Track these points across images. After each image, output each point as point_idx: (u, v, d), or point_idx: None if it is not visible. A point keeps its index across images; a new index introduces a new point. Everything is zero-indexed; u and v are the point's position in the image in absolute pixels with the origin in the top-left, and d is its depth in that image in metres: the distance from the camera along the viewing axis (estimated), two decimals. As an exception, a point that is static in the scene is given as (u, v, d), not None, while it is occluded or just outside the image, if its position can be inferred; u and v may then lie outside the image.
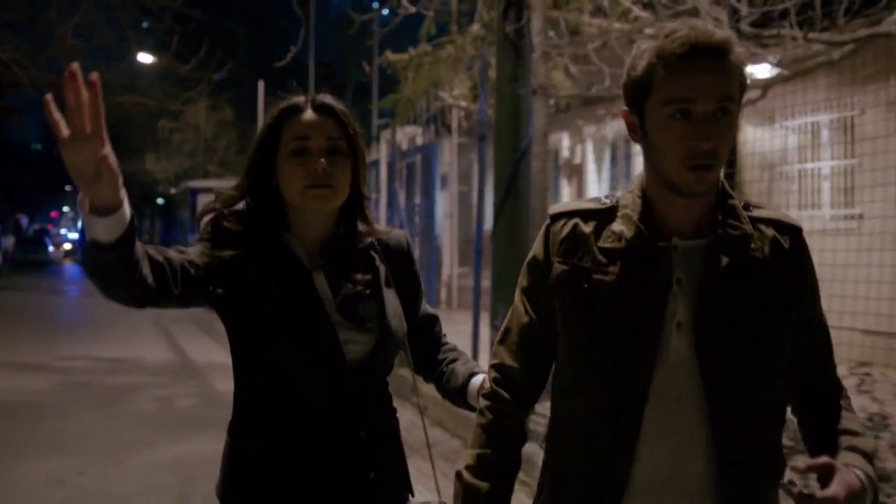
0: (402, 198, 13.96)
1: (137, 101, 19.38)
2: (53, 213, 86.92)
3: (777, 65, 9.38)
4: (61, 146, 1.50)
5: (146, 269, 1.70)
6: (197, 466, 6.27)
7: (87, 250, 1.62)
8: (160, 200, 45.88)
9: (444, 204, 16.00)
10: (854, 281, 7.60)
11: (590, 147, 14.71)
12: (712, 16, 7.91)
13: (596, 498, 1.64)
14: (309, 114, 1.98)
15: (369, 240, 2.09)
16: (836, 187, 9.75)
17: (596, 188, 14.83)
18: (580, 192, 15.05)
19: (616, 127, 13.13)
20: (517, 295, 1.81)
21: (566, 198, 15.40)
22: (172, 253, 1.86)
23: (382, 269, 2.08)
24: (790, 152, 9.76)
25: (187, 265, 1.85)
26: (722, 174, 1.68)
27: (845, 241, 8.43)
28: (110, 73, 16.09)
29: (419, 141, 11.81)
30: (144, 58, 23.33)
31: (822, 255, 6.91)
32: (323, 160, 1.94)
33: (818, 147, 9.92)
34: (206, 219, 2.01)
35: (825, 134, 9.80)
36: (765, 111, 9.42)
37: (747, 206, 1.70)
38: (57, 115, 1.48)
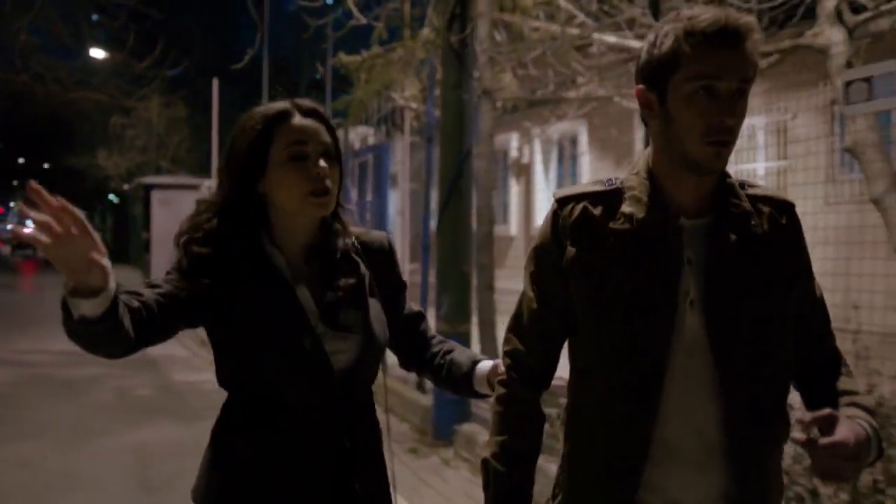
0: (354, 195, 14.32)
1: (91, 97, 19.45)
2: None
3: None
4: (46, 248, 1.49)
5: (128, 323, 1.68)
6: (157, 450, 6.61)
7: (72, 326, 1.61)
8: (112, 197, 45.53)
9: (395, 202, 16.34)
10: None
11: (537, 147, 15.18)
12: (645, 24, 8.41)
13: (618, 470, 1.67)
14: (300, 119, 1.93)
15: (349, 240, 2.05)
16: (771, 187, 10.27)
17: (543, 186, 15.29)
18: (528, 190, 15.50)
19: (561, 128, 13.60)
20: (526, 282, 1.82)
21: (514, 196, 15.86)
22: (148, 293, 1.81)
23: (366, 273, 2.05)
24: (761, 151, 10.22)
25: (164, 300, 1.82)
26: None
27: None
28: (65, 69, 16.14)
29: (371, 141, 12.16)
30: (97, 53, 23.32)
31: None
32: (325, 165, 1.92)
33: (754, 149, 10.43)
34: (181, 241, 1.95)
35: (761, 137, 10.33)
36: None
37: (742, 185, 1.73)
38: (42, 217, 1.47)
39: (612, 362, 1.67)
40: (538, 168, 15.34)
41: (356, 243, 2.07)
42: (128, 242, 42.07)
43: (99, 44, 22.08)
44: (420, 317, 2.25)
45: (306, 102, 1.97)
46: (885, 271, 6.49)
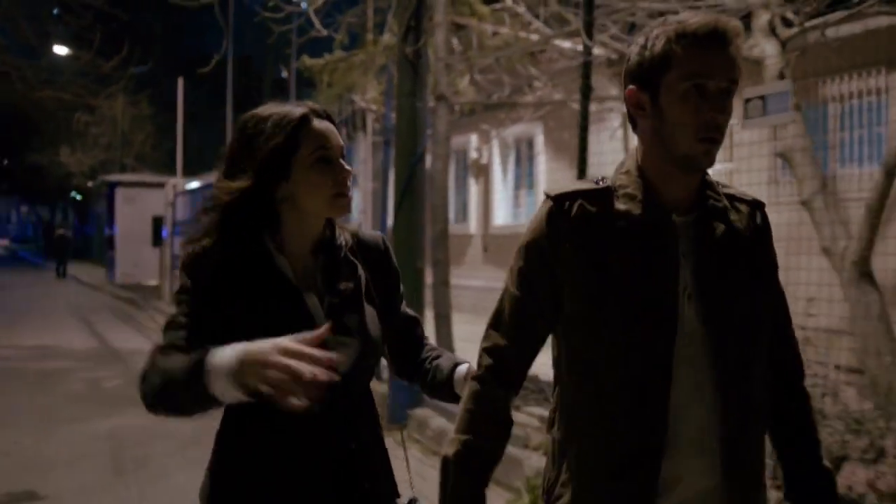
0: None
1: (57, 96, 19.59)
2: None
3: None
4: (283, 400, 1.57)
5: None
6: (127, 436, 6.97)
7: (197, 397, 1.68)
8: (75, 194, 45.29)
9: (358, 201, 16.68)
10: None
11: (496, 148, 15.63)
12: (600, 42, 8.90)
13: (635, 464, 1.67)
14: (319, 122, 1.93)
15: (348, 237, 2.06)
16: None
17: (501, 186, 15.75)
18: (487, 190, 15.93)
19: (518, 131, 14.06)
20: (511, 279, 1.80)
21: (474, 196, 16.30)
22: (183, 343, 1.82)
23: (362, 275, 2.04)
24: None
25: (195, 339, 1.81)
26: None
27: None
28: (32, 68, 16.31)
29: (334, 142, 12.58)
30: (60, 49, 23.41)
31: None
32: (349, 168, 1.95)
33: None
34: (185, 261, 1.92)
35: None
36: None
37: (717, 184, 1.78)
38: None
39: (616, 357, 1.68)
40: (496, 168, 15.79)
41: (353, 241, 2.07)
42: (91, 239, 41.97)
43: (65, 42, 22.17)
44: (415, 322, 2.22)
45: (318, 106, 1.97)
46: (819, 266, 7.00)
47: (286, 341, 1.60)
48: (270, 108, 1.92)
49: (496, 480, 5.25)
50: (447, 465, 1.79)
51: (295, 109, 1.91)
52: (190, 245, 1.91)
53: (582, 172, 5.36)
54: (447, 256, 7.93)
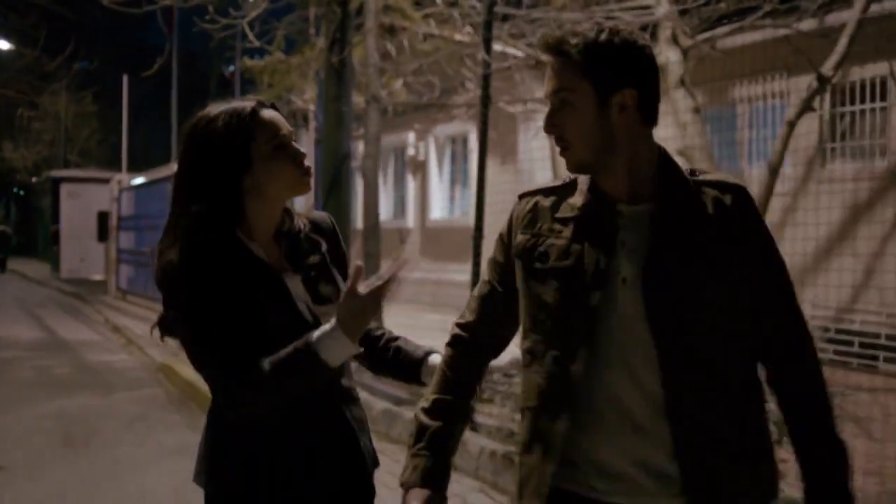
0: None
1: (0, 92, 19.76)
2: None
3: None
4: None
5: None
6: (76, 415, 7.52)
7: (313, 373, 1.83)
8: (17, 190, 44.98)
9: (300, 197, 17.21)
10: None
11: (432, 146, 16.31)
12: (525, 43, 9.63)
13: (544, 442, 1.79)
14: (267, 111, 1.99)
15: (304, 222, 2.13)
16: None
17: (437, 182, 16.43)
18: (424, 185, 16.59)
19: (450, 129, 14.75)
20: (487, 266, 2.00)
21: (412, 191, 16.96)
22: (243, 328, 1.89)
23: (324, 247, 2.13)
24: None
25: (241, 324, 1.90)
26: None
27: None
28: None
29: (274, 140, 13.16)
30: (2, 44, 23.54)
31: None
32: (303, 150, 2.04)
33: None
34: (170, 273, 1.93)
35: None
36: None
37: (693, 172, 1.80)
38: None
39: (546, 339, 1.79)
40: (433, 165, 16.47)
41: (309, 223, 2.15)
42: (35, 235, 41.71)
43: (8, 37, 22.29)
44: None
45: (262, 98, 2.05)
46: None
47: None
48: (217, 108, 1.98)
49: (404, 440, 5.92)
50: (416, 419, 1.93)
51: (244, 104, 1.98)
52: (163, 256, 1.94)
53: (482, 172, 6.02)
54: (378, 249, 8.58)
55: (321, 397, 1.98)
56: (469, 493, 4.98)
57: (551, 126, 1.75)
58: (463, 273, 5.93)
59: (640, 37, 1.74)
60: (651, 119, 1.75)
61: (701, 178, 1.78)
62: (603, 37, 1.68)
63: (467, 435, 5.45)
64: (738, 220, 1.74)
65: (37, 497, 5.26)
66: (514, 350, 5.23)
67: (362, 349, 1.88)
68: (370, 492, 2.14)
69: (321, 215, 2.22)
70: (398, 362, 2.17)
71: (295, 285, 2.01)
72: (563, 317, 1.76)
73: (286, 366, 1.83)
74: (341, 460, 2.04)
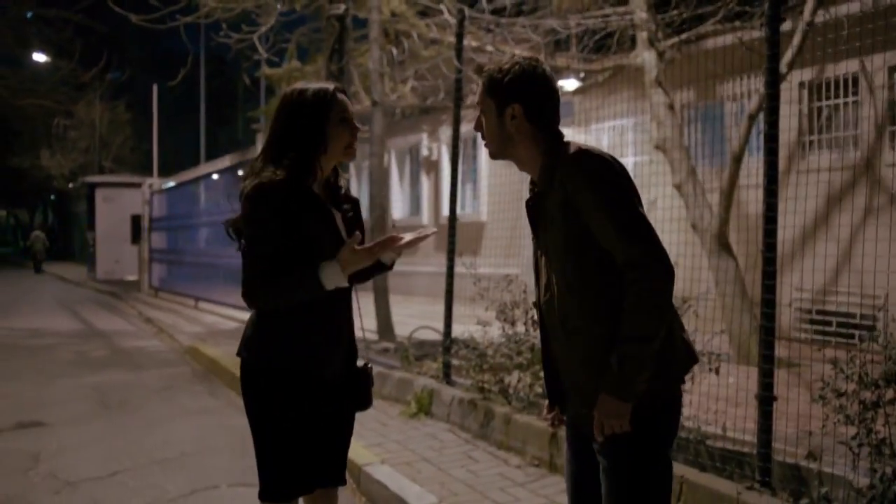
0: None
1: (38, 103, 20.72)
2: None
3: (582, 80, 12.08)
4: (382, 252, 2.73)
5: None
6: (111, 386, 8.44)
7: (312, 288, 2.61)
8: (53, 196, 46.09)
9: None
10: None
11: (444, 146, 17.15)
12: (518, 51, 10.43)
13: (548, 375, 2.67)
14: (342, 95, 2.78)
15: (346, 184, 2.90)
16: (639, 178, 11.95)
17: (448, 181, 17.20)
18: (437, 184, 17.42)
19: (448, 131, 15.50)
20: None
21: (426, 189, 17.79)
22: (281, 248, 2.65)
23: (355, 200, 2.92)
24: (603, 150, 11.81)
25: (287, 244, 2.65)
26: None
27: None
28: (17, 76, 17.54)
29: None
30: (40, 57, 24.64)
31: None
32: (360, 127, 2.83)
33: (625, 145, 12.21)
34: (259, 192, 2.60)
35: (630, 135, 12.12)
36: (583, 116, 11.76)
37: (566, 153, 2.42)
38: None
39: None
40: (445, 164, 17.30)
41: (348, 183, 2.93)
42: (71, 239, 42.87)
43: (45, 50, 23.30)
44: None
45: (340, 85, 2.87)
46: (686, 241, 8.34)
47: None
48: (306, 84, 2.78)
49: (394, 397, 6.79)
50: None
51: (328, 85, 2.79)
52: (257, 177, 2.66)
53: (455, 167, 6.80)
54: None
55: (334, 302, 2.72)
56: (440, 432, 5.85)
57: (477, 127, 2.55)
58: (471, 267, 6.57)
59: (531, 66, 2.46)
60: (540, 123, 2.46)
61: (568, 160, 2.38)
62: (496, 74, 2.44)
63: (441, 387, 6.32)
64: (565, 189, 2.35)
65: (76, 442, 6.17)
66: (468, 325, 6.00)
67: (348, 283, 2.67)
68: (360, 372, 2.94)
69: (348, 182, 2.94)
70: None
71: (337, 217, 2.77)
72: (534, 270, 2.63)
73: (295, 280, 2.60)
74: (346, 353, 2.85)
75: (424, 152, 17.56)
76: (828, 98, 10.20)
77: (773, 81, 4.08)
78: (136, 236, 24.82)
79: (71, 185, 36.03)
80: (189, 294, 17.57)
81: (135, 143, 37.33)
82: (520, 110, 2.43)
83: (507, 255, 9.65)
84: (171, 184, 21.62)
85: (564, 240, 2.38)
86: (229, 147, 29.03)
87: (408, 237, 2.73)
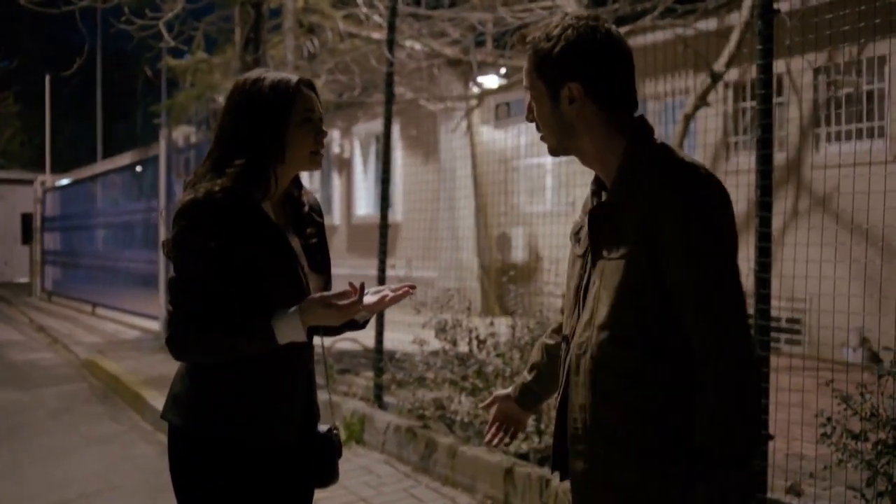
0: (179, 188, 15.28)
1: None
2: None
3: (504, 76, 11.66)
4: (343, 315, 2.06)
5: None
6: (1, 409, 7.64)
7: (262, 343, 2.05)
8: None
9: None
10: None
11: (356, 143, 16.57)
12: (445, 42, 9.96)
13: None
14: (308, 90, 2.19)
15: (311, 198, 2.35)
16: (557, 179, 11.62)
17: (362, 179, 16.69)
18: (349, 182, 16.84)
19: (374, 127, 15.00)
20: None
21: (337, 188, 17.18)
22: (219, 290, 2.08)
23: (320, 223, 2.35)
24: (521, 149, 11.48)
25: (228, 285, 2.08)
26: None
27: (564, 224, 10.25)
28: None
29: (193, 139, 13.21)
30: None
31: (547, 237, 7.99)
32: (326, 131, 2.24)
33: (542, 145, 11.94)
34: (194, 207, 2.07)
35: None
36: (501, 115, 11.42)
37: (668, 162, 1.86)
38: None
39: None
40: (357, 162, 16.73)
41: (313, 199, 2.37)
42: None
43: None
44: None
45: (306, 77, 2.23)
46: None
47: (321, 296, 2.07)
48: (264, 72, 2.20)
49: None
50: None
51: (292, 76, 2.18)
52: (193, 190, 2.10)
53: (386, 165, 6.32)
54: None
55: (291, 353, 2.15)
56: (375, 464, 5.30)
57: (529, 117, 1.95)
58: (389, 268, 6.22)
59: (589, 27, 1.83)
60: (608, 104, 1.86)
61: (660, 172, 1.80)
62: (544, 44, 1.84)
63: (373, 411, 5.79)
64: (650, 220, 1.77)
65: (-40, 484, 5.43)
66: (395, 332, 5.50)
67: (306, 339, 2.10)
68: (322, 440, 2.34)
69: (313, 196, 2.38)
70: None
71: (295, 245, 2.20)
72: (570, 295, 1.98)
73: (236, 330, 2.05)
74: (302, 408, 2.25)
75: (336, 150, 16.94)
76: (753, 99, 10.07)
77: (767, 81, 3.74)
78: (27, 236, 23.59)
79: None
80: (86, 299, 16.58)
81: (25, 137, 35.66)
82: (579, 90, 1.84)
83: (424, 258, 9.16)
84: (66, 181, 20.51)
85: (633, 275, 1.79)
86: (128, 143, 27.88)
87: (390, 295, 2.16)
